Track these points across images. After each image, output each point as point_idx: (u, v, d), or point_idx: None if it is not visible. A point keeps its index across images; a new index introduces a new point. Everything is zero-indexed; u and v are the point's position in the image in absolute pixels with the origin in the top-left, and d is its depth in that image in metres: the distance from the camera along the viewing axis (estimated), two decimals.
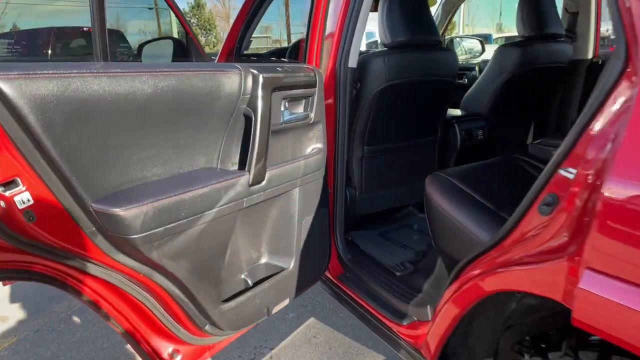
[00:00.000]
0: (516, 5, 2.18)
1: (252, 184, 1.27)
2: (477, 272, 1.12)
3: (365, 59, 1.78)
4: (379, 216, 2.28)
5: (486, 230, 1.36)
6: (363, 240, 2.07)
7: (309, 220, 1.58)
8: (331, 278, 1.88)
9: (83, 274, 1.10)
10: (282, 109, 1.35)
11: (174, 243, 1.12)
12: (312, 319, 2.51)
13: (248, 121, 1.26)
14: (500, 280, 1.01)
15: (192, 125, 1.14)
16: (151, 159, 1.08)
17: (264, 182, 1.31)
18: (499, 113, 2.40)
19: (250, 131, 1.25)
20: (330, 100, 1.61)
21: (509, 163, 1.82)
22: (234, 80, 1.17)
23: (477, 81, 2.42)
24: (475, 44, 3.86)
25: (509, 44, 2.24)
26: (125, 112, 0.97)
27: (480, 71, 3.28)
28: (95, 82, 0.89)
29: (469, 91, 2.48)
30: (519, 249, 0.99)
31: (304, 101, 1.46)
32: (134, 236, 1.00)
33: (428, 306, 1.46)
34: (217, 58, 2.68)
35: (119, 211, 0.96)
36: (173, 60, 2.60)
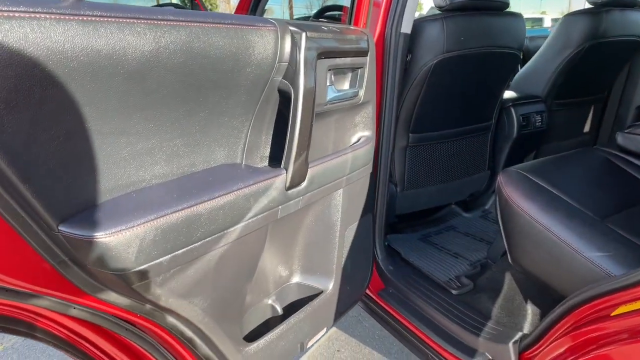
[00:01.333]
0: None
1: (290, 187, 0.92)
2: (612, 326, 0.78)
3: (417, 24, 1.42)
4: (416, 215, 1.95)
5: (596, 249, 1.02)
6: (403, 246, 1.74)
7: (352, 229, 1.24)
8: (369, 294, 1.55)
9: (59, 314, 0.76)
10: (328, 83, 1.00)
11: (185, 275, 0.78)
12: (334, 330, 2.20)
13: (284, 100, 0.91)
14: None
15: (209, 104, 0.79)
16: (151, 154, 0.73)
17: (304, 184, 0.96)
18: (559, 95, 2.04)
19: (287, 113, 0.90)
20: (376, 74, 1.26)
21: (592, 157, 1.47)
22: (267, 41, 0.81)
23: (534, 57, 2.05)
24: None
25: (578, 12, 1.87)
26: (109, 82, 0.62)
27: (524, 50, 2.90)
28: (59, 30, 0.54)
29: (523, 69, 2.12)
30: None
31: (350, 74, 1.10)
32: (125, 272, 0.66)
33: (510, 343, 1.13)
34: None
35: (100, 237, 0.61)
36: None
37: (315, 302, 1.16)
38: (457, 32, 1.44)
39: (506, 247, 1.27)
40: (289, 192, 0.92)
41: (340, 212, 1.16)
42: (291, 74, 0.88)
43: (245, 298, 1.02)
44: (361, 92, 1.12)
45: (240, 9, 2.54)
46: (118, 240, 0.62)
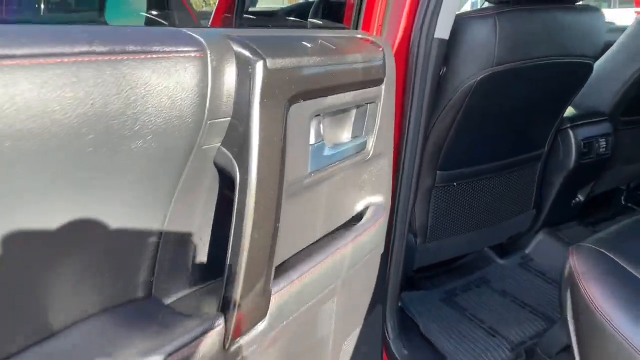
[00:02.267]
0: None
1: (233, 343, 0.51)
2: None
3: (457, 21, 0.98)
4: (437, 263, 1.54)
5: None
6: (421, 310, 1.33)
7: (353, 339, 0.83)
8: None
9: None
10: (313, 140, 0.58)
11: None
12: None
13: (225, 180, 0.50)
14: None
15: (73, 203, 0.38)
16: None
17: (264, 323, 0.55)
18: (628, 111, 1.59)
19: (231, 201, 0.49)
20: (395, 103, 0.83)
21: None
22: (184, 79, 0.40)
23: (598, 62, 1.59)
24: None
25: None
26: None
27: None
28: None
29: None
30: None
31: (353, 112, 0.68)
32: None
33: None
34: (210, 21, 2.29)
35: None
36: (147, 22, 1.75)
37: None
38: (514, 34, 0.99)
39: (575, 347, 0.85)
40: (232, 350, 0.51)
41: (334, 322, 0.75)
42: (238, 138, 0.46)
43: None
44: (371, 142, 0.70)
45: None
46: None
